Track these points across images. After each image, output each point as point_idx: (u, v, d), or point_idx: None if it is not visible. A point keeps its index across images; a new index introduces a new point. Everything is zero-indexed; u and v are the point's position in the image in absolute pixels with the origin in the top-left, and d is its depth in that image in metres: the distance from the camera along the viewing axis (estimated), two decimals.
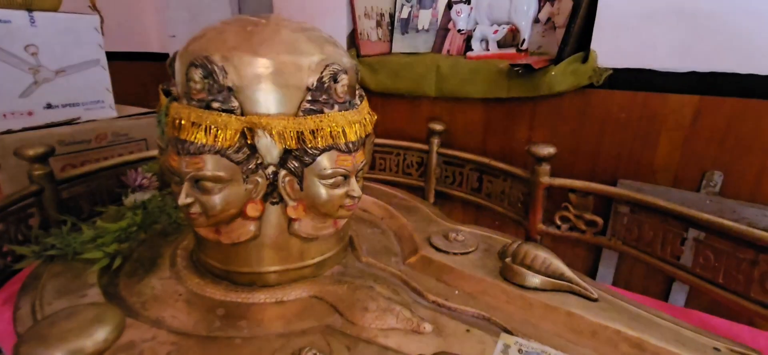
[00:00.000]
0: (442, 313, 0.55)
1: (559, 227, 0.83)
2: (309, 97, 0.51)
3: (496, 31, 1.06)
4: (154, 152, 0.88)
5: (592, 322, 0.51)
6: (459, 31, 1.14)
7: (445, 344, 0.49)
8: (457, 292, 0.61)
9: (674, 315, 0.54)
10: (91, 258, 0.58)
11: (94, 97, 0.93)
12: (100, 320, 0.24)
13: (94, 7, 0.97)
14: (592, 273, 0.96)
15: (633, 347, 0.48)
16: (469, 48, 1.13)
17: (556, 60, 0.89)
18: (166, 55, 1.97)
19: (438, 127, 1.05)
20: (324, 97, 0.51)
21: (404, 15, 1.34)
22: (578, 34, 0.89)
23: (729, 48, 0.74)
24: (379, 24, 1.33)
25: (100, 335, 0.24)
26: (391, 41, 1.36)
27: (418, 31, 1.33)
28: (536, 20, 1.09)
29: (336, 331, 0.50)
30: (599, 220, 0.79)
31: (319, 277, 0.61)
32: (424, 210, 0.84)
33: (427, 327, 0.52)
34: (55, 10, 0.89)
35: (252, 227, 0.54)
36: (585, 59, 0.88)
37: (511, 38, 1.15)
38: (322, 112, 0.51)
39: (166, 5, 1.87)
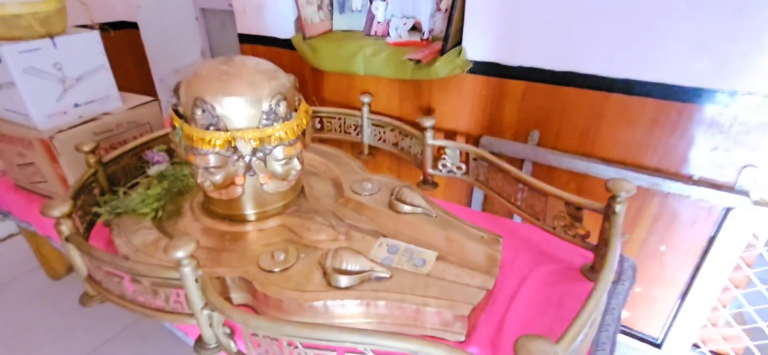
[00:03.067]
0: (351, 229, 0.99)
1: (440, 171, 1.27)
2: (265, 117, 0.89)
3: (405, 23, 1.41)
4: (160, 133, 1.23)
5: (428, 228, 0.97)
6: (378, 22, 1.48)
7: (348, 244, 0.93)
8: (363, 217, 1.04)
9: (507, 228, 0.99)
10: (142, 213, 0.98)
11: (105, 93, 1.25)
12: (189, 242, 0.65)
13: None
14: (469, 201, 1.42)
15: (445, 240, 0.94)
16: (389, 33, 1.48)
17: (442, 52, 1.27)
18: (135, 24, 2.19)
19: (366, 99, 1.43)
20: (273, 115, 0.89)
21: None
22: (456, 34, 1.26)
23: (540, 51, 1.14)
24: (319, 7, 1.64)
25: (192, 245, 0.65)
26: (331, 19, 1.68)
27: (353, 11, 1.66)
28: (439, 9, 1.44)
29: (291, 242, 0.93)
30: (463, 166, 1.23)
31: (283, 214, 1.03)
32: (352, 164, 1.26)
33: (342, 238, 0.95)
34: (64, 29, 1.18)
35: (239, 189, 0.94)
36: (460, 53, 1.26)
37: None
38: (272, 125, 0.89)
39: None
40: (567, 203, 0.92)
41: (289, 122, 0.92)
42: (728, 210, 1.03)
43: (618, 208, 0.82)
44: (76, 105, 1.19)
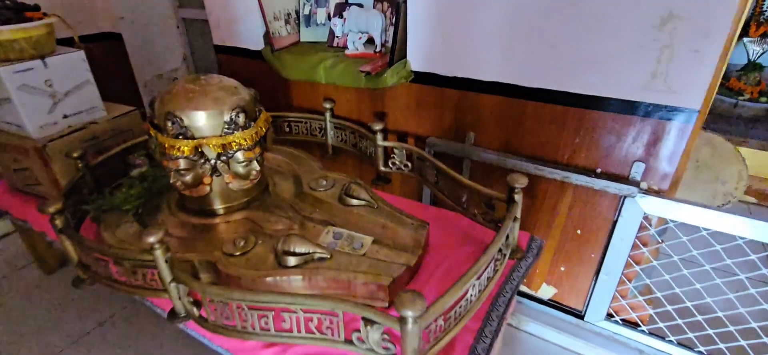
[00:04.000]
0: (306, 220, 1.16)
1: (391, 168, 1.45)
2: (226, 126, 1.06)
3: (360, 37, 1.59)
4: (140, 139, 1.39)
5: (370, 217, 1.14)
6: (337, 36, 1.65)
7: (301, 233, 1.10)
8: (317, 210, 1.22)
9: (441, 216, 1.18)
10: (125, 208, 1.15)
11: (91, 104, 1.41)
12: (160, 229, 0.82)
13: (78, 43, 1.41)
14: (420, 194, 1.61)
15: (381, 227, 1.12)
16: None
17: (390, 64, 1.45)
18: (118, 35, 2.34)
19: (327, 105, 1.60)
20: (233, 125, 1.06)
21: (306, 12, 1.82)
22: (401, 48, 1.44)
23: (471, 65, 1.32)
24: (287, 21, 1.80)
25: (161, 232, 0.82)
26: (299, 33, 1.85)
27: (318, 24, 1.82)
28: (391, 24, 1.61)
29: (254, 231, 1.11)
30: (408, 164, 1.40)
31: (248, 208, 1.20)
32: (312, 164, 1.43)
33: (296, 227, 1.13)
34: (53, 50, 1.34)
35: (207, 188, 1.11)
36: (405, 65, 1.44)
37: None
38: (233, 133, 1.06)
39: None
40: (481, 194, 1.10)
41: (248, 130, 1.09)
42: (624, 198, 1.22)
43: (516, 197, 1.01)
44: (65, 116, 1.35)
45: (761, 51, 3.53)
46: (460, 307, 0.81)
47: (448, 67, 1.36)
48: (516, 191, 1.00)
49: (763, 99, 3.44)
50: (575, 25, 1.10)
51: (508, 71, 1.26)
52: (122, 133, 1.45)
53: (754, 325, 1.23)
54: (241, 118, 1.07)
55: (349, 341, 0.78)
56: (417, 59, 1.41)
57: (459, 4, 1.24)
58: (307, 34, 1.83)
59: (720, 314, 1.26)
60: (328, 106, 1.60)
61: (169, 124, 1.02)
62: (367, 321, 0.72)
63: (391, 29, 1.61)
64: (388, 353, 0.74)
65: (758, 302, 1.20)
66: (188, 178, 1.06)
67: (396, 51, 1.42)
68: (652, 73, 1.04)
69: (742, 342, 1.26)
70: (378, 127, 1.38)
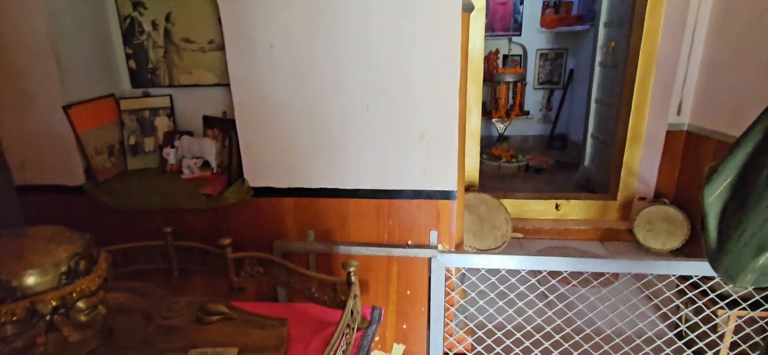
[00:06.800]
0: (164, 351, 1.17)
1: (244, 278, 1.56)
2: (64, 278, 1.04)
3: (196, 163, 1.72)
4: None
5: (231, 330, 1.23)
6: (170, 163, 1.74)
7: None
8: (174, 337, 1.24)
9: (297, 310, 1.32)
10: None
11: None
12: None
13: None
14: (275, 294, 1.75)
15: (243, 335, 1.22)
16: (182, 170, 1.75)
17: (229, 184, 1.62)
18: None
19: (168, 229, 1.63)
20: (71, 275, 1.05)
21: (132, 142, 1.84)
22: (237, 169, 1.64)
23: (300, 177, 1.60)
24: (111, 153, 1.79)
25: None
26: (125, 162, 1.84)
27: (146, 152, 1.86)
28: (224, 146, 1.80)
29: None
30: (260, 269, 1.55)
31: None
32: (157, 292, 1.43)
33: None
34: None
35: (42, 348, 1.03)
36: (244, 183, 1.63)
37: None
38: (72, 282, 1.05)
39: None
40: (326, 283, 1.34)
41: (89, 276, 1.08)
42: (430, 259, 1.64)
43: (352, 278, 1.28)
44: None
45: (504, 127, 4.97)
46: None
47: (281, 180, 1.61)
48: (351, 273, 1.28)
49: (514, 160, 4.81)
50: (374, 141, 1.52)
51: (330, 179, 1.59)
52: None
53: (528, 328, 1.75)
54: (82, 265, 1.07)
55: None
56: (253, 177, 1.63)
57: (285, 129, 1.54)
58: (135, 163, 1.85)
59: (508, 327, 1.75)
60: (168, 230, 1.63)
61: None
62: None
63: (225, 150, 1.79)
64: None
65: (525, 311, 1.74)
66: (18, 344, 0.98)
67: (233, 172, 1.61)
68: (424, 170, 1.52)
69: (527, 343, 1.77)
70: (226, 241, 1.50)
